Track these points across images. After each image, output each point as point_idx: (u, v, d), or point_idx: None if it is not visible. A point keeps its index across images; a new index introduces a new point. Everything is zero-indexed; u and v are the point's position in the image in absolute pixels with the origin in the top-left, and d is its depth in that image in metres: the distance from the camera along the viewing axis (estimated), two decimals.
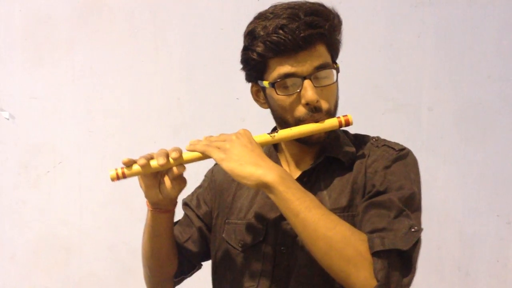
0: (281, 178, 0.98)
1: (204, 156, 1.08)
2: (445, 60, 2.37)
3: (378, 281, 0.92)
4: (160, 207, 1.18)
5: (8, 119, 2.43)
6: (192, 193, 1.37)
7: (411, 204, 1.04)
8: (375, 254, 0.93)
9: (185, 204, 1.36)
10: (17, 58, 2.44)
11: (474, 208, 2.37)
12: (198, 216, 1.32)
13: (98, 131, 2.44)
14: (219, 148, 1.04)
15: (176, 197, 1.19)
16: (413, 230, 0.98)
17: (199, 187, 1.38)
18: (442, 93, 2.37)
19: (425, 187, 2.34)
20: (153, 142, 2.40)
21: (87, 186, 2.41)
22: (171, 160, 1.08)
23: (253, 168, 0.99)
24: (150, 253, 1.27)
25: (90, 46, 2.44)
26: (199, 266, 1.36)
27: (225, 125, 2.36)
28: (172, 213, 1.23)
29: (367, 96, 2.38)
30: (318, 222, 0.95)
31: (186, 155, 1.09)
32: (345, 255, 0.94)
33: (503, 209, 2.36)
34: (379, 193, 1.05)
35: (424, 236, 2.42)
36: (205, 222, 1.31)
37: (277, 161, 1.23)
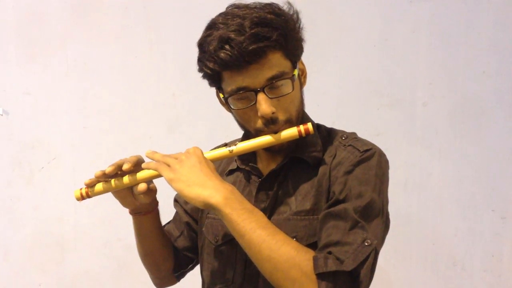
0: (226, 200, 0.98)
1: (158, 174, 1.08)
2: (439, 56, 2.37)
3: None
4: (141, 212, 1.23)
5: (1, 115, 2.42)
6: None
7: (369, 214, 1.01)
8: (319, 275, 0.93)
9: (175, 201, 1.39)
10: (10, 54, 2.42)
11: (469, 203, 2.38)
12: (186, 211, 1.35)
13: (92, 127, 2.43)
14: (170, 167, 1.04)
15: (153, 201, 1.22)
16: (366, 244, 0.96)
17: None
18: (437, 89, 2.37)
19: (420, 182, 2.36)
20: (148, 138, 2.40)
21: (82, 182, 2.39)
22: (126, 180, 1.12)
23: (199, 189, 0.99)
24: (143, 254, 1.31)
25: (84, 42, 2.43)
26: (197, 260, 1.37)
27: (219, 120, 2.35)
28: (154, 214, 1.26)
29: (362, 91, 2.38)
30: (262, 244, 0.96)
31: (143, 173, 1.11)
32: (290, 276, 0.94)
33: (498, 204, 2.37)
34: (337, 202, 1.03)
35: (419, 231, 2.44)
36: (193, 216, 1.34)
37: (253, 157, 1.23)
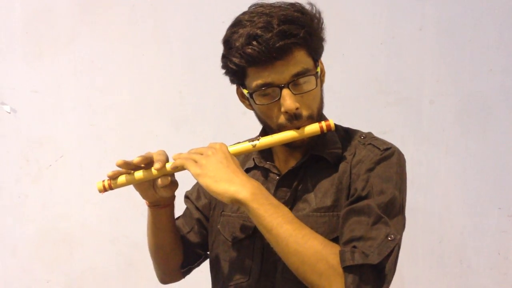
0: (253, 195, 1.00)
1: (183, 168, 1.10)
2: (446, 53, 2.36)
3: None
4: (159, 204, 1.24)
5: (9, 112, 2.43)
6: (194, 186, 1.41)
7: (391, 210, 1.04)
8: (346, 268, 0.94)
9: (186, 197, 1.40)
10: (18, 51, 2.43)
11: (475, 201, 2.37)
12: (197, 208, 1.36)
13: (100, 125, 2.44)
14: (196, 162, 1.06)
15: (172, 195, 1.23)
16: (389, 238, 0.99)
17: None
18: (444, 86, 2.36)
19: (427, 180, 2.36)
20: (155, 136, 2.41)
21: (89, 179, 2.41)
22: (154, 172, 1.12)
23: (226, 185, 1.01)
24: (154, 247, 1.32)
25: (91, 40, 2.43)
26: (205, 256, 1.39)
27: (226, 118, 2.36)
28: (171, 207, 1.27)
29: (369, 89, 2.38)
30: (289, 238, 0.98)
31: (167, 167, 1.12)
32: (317, 270, 0.96)
33: (504, 202, 2.36)
34: (360, 198, 1.05)
35: (425, 229, 2.44)
36: (204, 213, 1.35)
37: (270, 156, 1.25)
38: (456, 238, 2.39)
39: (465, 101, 2.36)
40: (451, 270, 2.39)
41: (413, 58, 2.37)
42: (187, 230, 1.36)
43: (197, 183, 1.40)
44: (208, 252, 1.35)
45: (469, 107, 2.36)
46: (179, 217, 1.39)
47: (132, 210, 2.33)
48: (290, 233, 0.98)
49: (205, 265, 1.38)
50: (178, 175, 1.17)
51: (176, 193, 1.25)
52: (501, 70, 2.34)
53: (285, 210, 1.02)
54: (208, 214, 1.34)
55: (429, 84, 2.37)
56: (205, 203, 1.35)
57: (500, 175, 2.36)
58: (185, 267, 1.37)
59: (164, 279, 1.39)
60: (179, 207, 1.39)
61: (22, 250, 2.48)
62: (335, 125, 1.22)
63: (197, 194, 1.37)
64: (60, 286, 2.48)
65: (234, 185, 1.01)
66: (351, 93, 2.37)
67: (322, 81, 1.19)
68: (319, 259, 0.96)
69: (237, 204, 1.01)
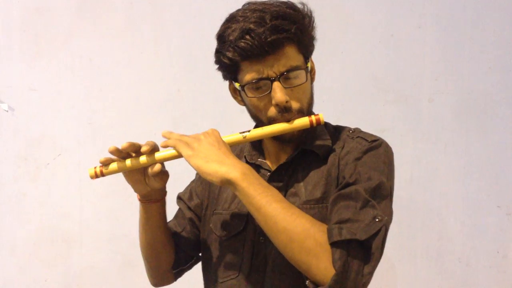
0: (243, 175, 1.02)
1: (176, 155, 1.12)
2: (445, 51, 2.36)
3: (335, 270, 0.94)
4: (150, 198, 1.25)
5: (7, 111, 2.43)
6: (187, 187, 1.43)
7: (378, 194, 1.06)
8: (333, 244, 0.96)
9: (179, 198, 1.42)
10: (15, 50, 2.43)
11: (474, 199, 2.37)
12: (189, 208, 1.37)
13: (98, 123, 2.44)
14: (188, 145, 1.08)
15: (163, 188, 1.25)
16: (376, 220, 1.00)
17: (193, 181, 1.43)
18: (443, 84, 2.36)
19: (426, 178, 2.35)
20: (153, 134, 2.38)
21: (87, 178, 2.40)
22: (144, 160, 1.14)
23: (217, 165, 1.03)
24: (146, 244, 1.31)
25: (89, 38, 2.43)
26: (197, 258, 1.39)
27: (224, 116, 2.36)
28: (162, 202, 1.28)
29: (368, 87, 2.37)
30: (278, 216, 0.99)
31: (159, 154, 1.14)
32: (306, 247, 0.97)
33: (503, 200, 2.36)
34: (348, 185, 1.07)
35: (424, 227, 2.44)
36: (196, 213, 1.36)
37: (261, 153, 1.28)
38: (455, 236, 2.39)
39: (464, 99, 2.36)
40: (449, 268, 2.39)
41: (412, 56, 2.37)
42: (179, 231, 1.36)
43: (189, 185, 1.42)
44: (200, 254, 1.36)
45: (468, 105, 2.36)
46: (171, 220, 1.40)
47: (131, 208, 2.33)
48: (278, 211, 0.99)
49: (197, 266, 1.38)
50: (172, 176, 1.17)
51: (169, 197, 1.25)
52: (500, 68, 2.34)
53: (275, 190, 1.04)
54: (200, 214, 1.35)
55: (428, 82, 2.37)
56: (197, 203, 1.36)
57: (499, 173, 2.36)
58: (177, 268, 1.37)
59: (155, 281, 1.38)
60: (172, 211, 1.39)
61: (20, 249, 2.47)
62: (325, 122, 1.24)
63: (190, 194, 1.39)
64: (59, 284, 2.48)
65: (225, 166, 1.03)
66: (350, 91, 2.37)
67: (312, 79, 1.22)
68: (307, 237, 0.97)
69: (227, 184, 1.03)
